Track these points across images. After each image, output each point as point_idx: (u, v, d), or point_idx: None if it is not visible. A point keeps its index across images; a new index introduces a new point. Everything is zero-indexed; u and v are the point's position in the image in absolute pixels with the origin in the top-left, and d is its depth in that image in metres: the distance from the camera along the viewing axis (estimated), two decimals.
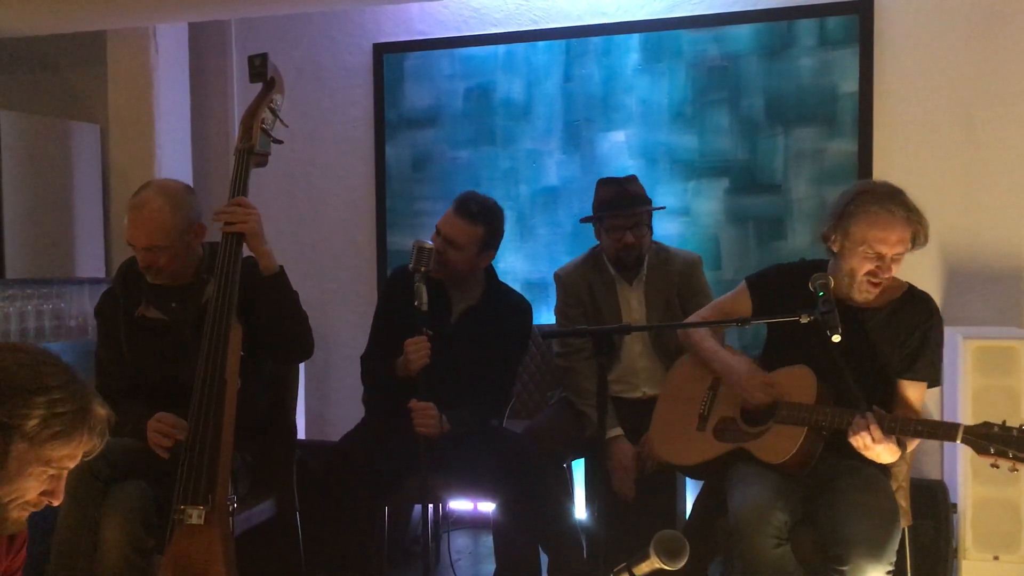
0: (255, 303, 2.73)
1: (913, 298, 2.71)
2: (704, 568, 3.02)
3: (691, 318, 3.00)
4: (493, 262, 3.18)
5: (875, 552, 2.38)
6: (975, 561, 3.31)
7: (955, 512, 3.31)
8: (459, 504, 4.13)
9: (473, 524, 4.17)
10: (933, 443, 3.67)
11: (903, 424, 2.44)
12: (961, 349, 3.37)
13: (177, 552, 2.41)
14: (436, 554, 3.73)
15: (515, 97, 4.24)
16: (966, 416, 3.27)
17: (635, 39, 4.06)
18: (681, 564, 1.83)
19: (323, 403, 4.56)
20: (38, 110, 4.65)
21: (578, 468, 3.57)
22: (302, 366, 3.31)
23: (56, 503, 1.64)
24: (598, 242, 3.40)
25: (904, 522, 2.68)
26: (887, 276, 2.58)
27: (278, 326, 2.77)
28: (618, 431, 3.15)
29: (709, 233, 3.99)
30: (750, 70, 3.93)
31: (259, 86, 2.83)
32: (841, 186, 3.60)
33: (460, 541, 4.09)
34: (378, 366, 3.05)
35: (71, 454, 1.60)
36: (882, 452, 2.44)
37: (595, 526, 3.18)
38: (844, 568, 2.39)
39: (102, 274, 4.55)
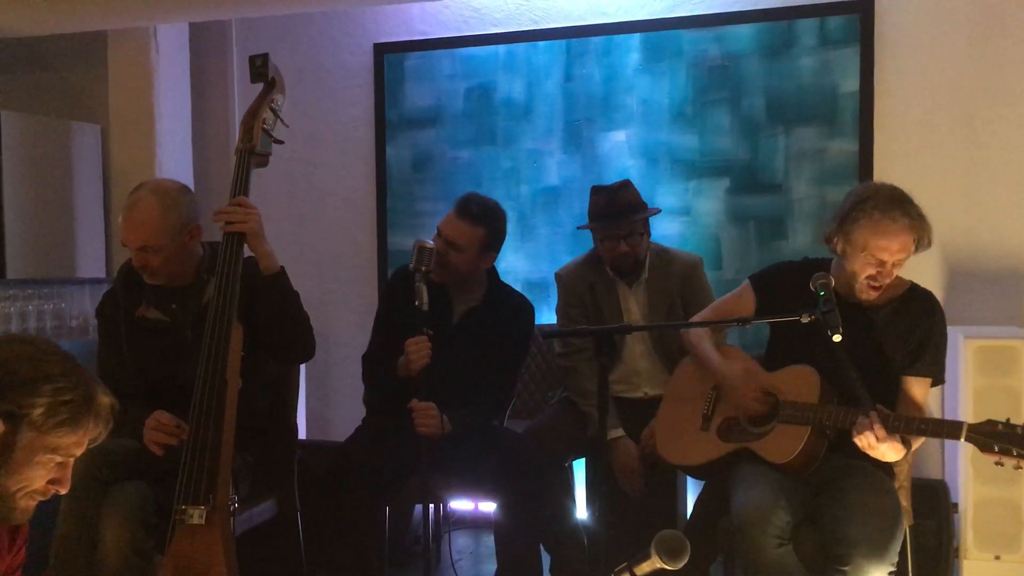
0: (256, 303, 2.73)
1: (916, 296, 2.71)
2: (705, 568, 3.02)
3: (693, 319, 3.00)
4: (494, 262, 3.18)
5: (877, 552, 2.38)
6: (976, 561, 3.31)
7: (956, 512, 3.32)
8: (460, 504, 4.13)
9: (474, 524, 4.17)
10: (934, 443, 3.68)
11: (907, 423, 2.44)
12: (962, 349, 3.37)
13: (178, 552, 2.41)
14: (437, 554, 3.72)
15: (516, 97, 4.24)
16: (967, 416, 3.27)
17: (636, 39, 4.06)
18: (682, 564, 1.83)
19: (324, 403, 4.56)
20: (39, 110, 4.65)
21: (579, 468, 3.57)
22: (303, 366, 3.31)
23: (63, 491, 1.65)
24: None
25: (905, 522, 2.68)
26: (888, 280, 2.59)
27: (279, 326, 2.76)
28: (620, 432, 3.15)
29: (710, 233, 3.99)
30: (751, 70, 3.93)
31: (260, 86, 2.82)
32: (842, 186, 3.63)
33: (461, 541, 4.09)
34: (379, 366, 3.05)
35: (78, 441, 1.62)
36: (886, 451, 2.44)
37: (596, 526, 3.17)
38: (846, 568, 2.39)
39: (103, 274, 4.55)
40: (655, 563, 1.82)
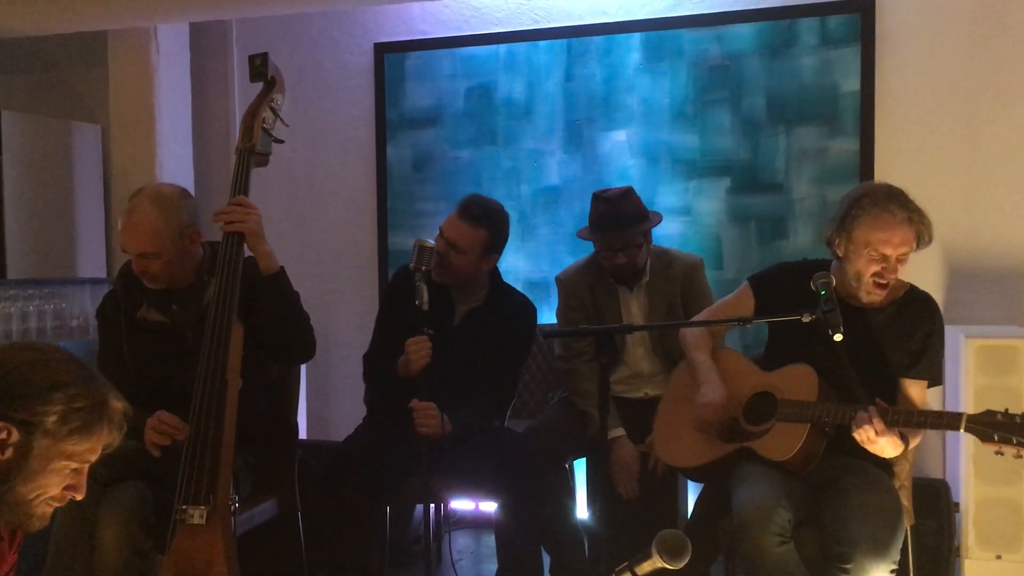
0: (255, 303, 2.73)
1: (916, 298, 2.71)
2: (706, 568, 3.01)
3: (681, 327, 3.00)
4: (496, 264, 3.17)
5: (879, 551, 2.38)
6: (977, 560, 3.31)
7: (957, 511, 3.31)
8: (461, 504, 4.13)
9: (475, 524, 4.17)
10: (935, 442, 3.67)
11: (906, 416, 2.45)
12: (963, 348, 3.37)
13: (178, 552, 2.41)
14: (438, 554, 3.72)
15: (516, 97, 4.24)
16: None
17: (636, 38, 4.06)
18: (683, 563, 1.83)
19: (324, 403, 4.56)
20: (39, 110, 4.65)
21: (580, 468, 3.57)
22: (303, 366, 3.31)
23: (79, 497, 1.66)
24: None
25: (907, 521, 2.68)
26: (893, 277, 2.59)
27: (279, 326, 2.76)
28: (620, 431, 3.15)
29: (711, 233, 3.99)
30: (751, 69, 3.92)
31: (260, 86, 2.82)
32: (843, 185, 3.62)
33: (461, 541, 4.09)
34: (380, 366, 3.05)
35: (92, 448, 1.62)
36: (885, 446, 2.44)
37: (597, 526, 3.17)
38: (848, 567, 2.39)
39: (103, 274, 4.55)
40: (656, 563, 1.82)
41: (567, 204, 4.18)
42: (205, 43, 4.70)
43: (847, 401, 2.57)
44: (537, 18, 4.21)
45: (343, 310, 4.50)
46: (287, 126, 2.90)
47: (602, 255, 3.28)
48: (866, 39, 3.77)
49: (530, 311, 3.18)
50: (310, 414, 4.51)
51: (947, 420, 2.43)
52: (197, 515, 2.41)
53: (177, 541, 2.42)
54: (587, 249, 3.49)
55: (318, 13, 4.49)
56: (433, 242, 2.90)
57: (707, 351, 2.88)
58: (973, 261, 3.72)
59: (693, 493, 3.38)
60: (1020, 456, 2.28)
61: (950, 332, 3.63)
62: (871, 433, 2.41)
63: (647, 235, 3.29)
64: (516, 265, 4.18)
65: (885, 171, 3.75)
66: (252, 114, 2.78)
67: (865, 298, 2.62)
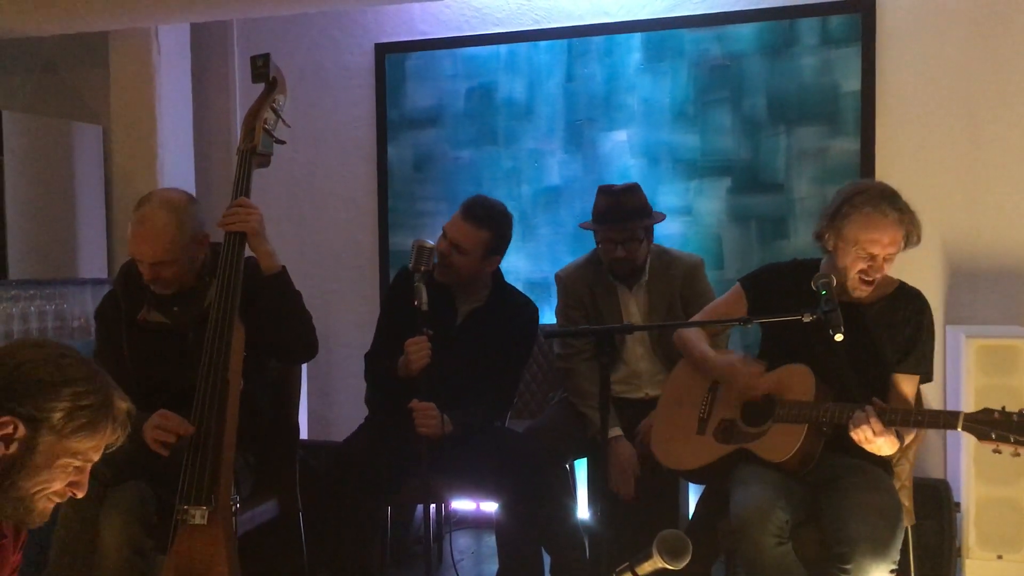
0: (257, 303, 2.73)
1: (905, 294, 2.74)
2: (707, 568, 3.01)
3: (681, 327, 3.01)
4: (498, 265, 3.18)
5: (879, 551, 2.39)
6: (978, 560, 3.31)
7: (958, 511, 3.32)
8: (461, 504, 4.13)
9: (475, 524, 4.17)
10: (936, 443, 3.68)
11: (903, 415, 2.46)
12: (964, 348, 3.37)
13: (180, 552, 2.41)
14: (438, 554, 3.73)
15: (517, 97, 4.24)
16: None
17: (637, 38, 4.06)
18: (684, 564, 1.83)
19: (325, 403, 4.57)
20: (41, 111, 4.66)
21: (580, 468, 3.57)
22: (304, 366, 3.31)
23: (80, 495, 1.66)
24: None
25: (907, 521, 2.68)
26: (878, 275, 2.61)
27: (281, 326, 2.76)
28: (618, 431, 3.15)
29: (711, 233, 3.99)
30: (752, 69, 3.93)
31: (261, 86, 2.83)
32: (843, 185, 3.62)
33: (462, 541, 4.09)
34: (380, 366, 3.05)
35: (96, 446, 1.63)
36: (883, 445, 2.45)
37: (597, 526, 3.17)
38: (848, 567, 2.39)
39: (104, 275, 4.55)
40: (657, 563, 1.82)
41: (568, 204, 4.18)
42: (206, 44, 4.70)
43: (844, 399, 2.57)
44: (538, 18, 4.21)
45: (344, 310, 4.50)
46: (288, 127, 2.90)
47: (601, 247, 3.29)
48: (867, 39, 3.77)
49: (532, 312, 3.19)
50: (311, 414, 4.52)
51: (944, 419, 2.44)
52: (198, 515, 2.41)
53: (178, 541, 2.42)
54: (588, 247, 3.49)
55: (319, 13, 4.50)
56: (432, 243, 2.90)
57: (706, 345, 2.90)
58: (973, 261, 3.72)
59: (694, 494, 3.38)
60: (1017, 454, 2.29)
61: (951, 332, 3.63)
62: (869, 433, 2.42)
63: (648, 231, 3.29)
64: (517, 265, 4.18)
65: (885, 171, 3.75)
66: (254, 115, 2.79)
67: (852, 293, 2.64)
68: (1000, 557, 3.30)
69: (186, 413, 2.54)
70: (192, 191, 4.46)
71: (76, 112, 4.71)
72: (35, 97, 4.78)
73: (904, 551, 2.56)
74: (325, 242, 4.59)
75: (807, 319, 2.46)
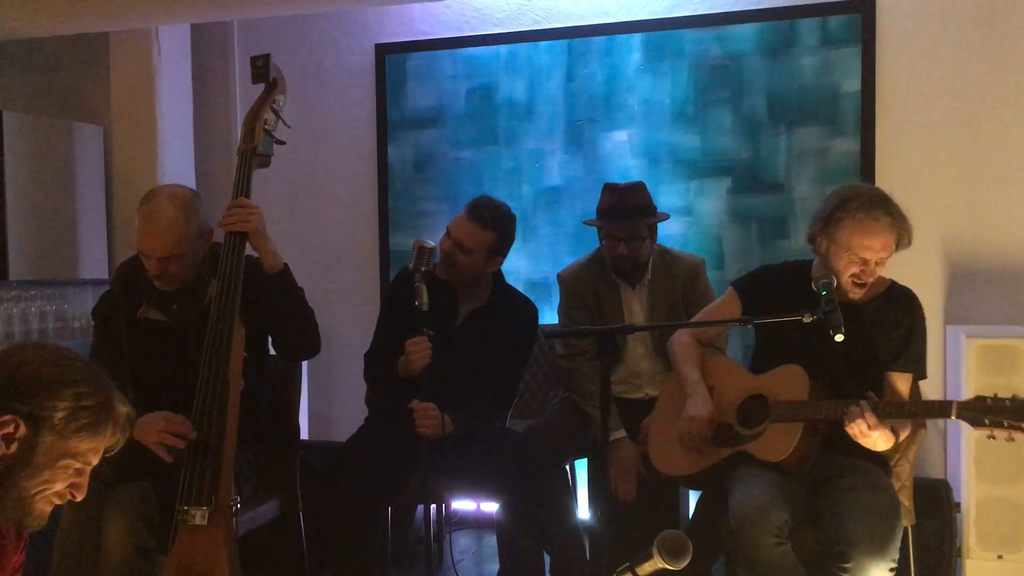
0: (260, 302, 2.73)
1: (897, 293, 2.76)
2: (707, 568, 3.02)
3: (679, 332, 3.00)
4: (500, 266, 3.18)
5: (878, 550, 2.39)
6: (979, 560, 3.31)
7: (958, 511, 3.31)
8: (462, 504, 4.13)
9: (476, 524, 4.18)
10: (936, 443, 3.68)
11: (897, 408, 2.48)
12: (964, 348, 3.37)
13: (181, 553, 2.41)
14: (439, 554, 3.73)
15: (517, 97, 4.24)
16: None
17: (637, 39, 4.06)
18: (684, 564, 1.83)
19: (326, 404, 4.57)
20: (41, 111, 4.66)
21: (581, 468, 3.57)
22: (305, 366, 3.31)
23: (80, 497, 1.67)
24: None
25: (907, 521, 2.69)
26: (871, 279, 2.63)
27: (285, 323, 2.77)
28: (621, 433, 3.15)
29: (712, 233, 3.99)
30: (752, 69, 3.93)
31: (261, 87, 2.83)
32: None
33: (463, 541, 4.09)
34: (380, 366, 3.05)
35: (96, 448, 1.64)
36: (878, 439, 2.46)
37: (598, 526, 3.18)
38: (847, 565, 2.40)
39: (105, 275, 4.55)
40: (657, 563, 1.82)
41: (568, 204, 4.18)
42: (206, 44, 4.70)
43: (838, 397, 2.58)
44: (538, 19, 4.21)
45: (344, 310, 4.50)
46: (289, 127, 2.91)
47: (605, 244, 3.29)
48: (867, 39, 3.77)
49: (532, 312, 3.19)
50: (311, 414, 4.52)
51: (938, 409, 2.46)
52: (199, 516, 2.41)
53: (179, 542, 2.42)
54: (589, 247, 3.49)
55: (319, 14, 4.50)
56: (433, 243, 2.90)
57: (694, 363, 2.88)
58: (974, 261, 3.72)
59: (694, 494, 3.38)
60: (1011, 439, 2.30)
61: (952, 332, 3.63)
62: (864, 427, 2.43)
63: (652, 229, 3.30)
64: (517, 265, 4.18)
65: (885, 171, 3.75)
66: (254, 115, 2.79)
67: (847, 295, 2.65)
68: (1000, 557, 3.30)
69: (186, 412, 2.54)
70: (199, 194, 4.47)
71: (77, 112, 4.71)
72: (36, 97, 4.79)
73: (904, 551, 2.57)
74: (325, 242, 4.59)
75: (808, 319, 2.47)
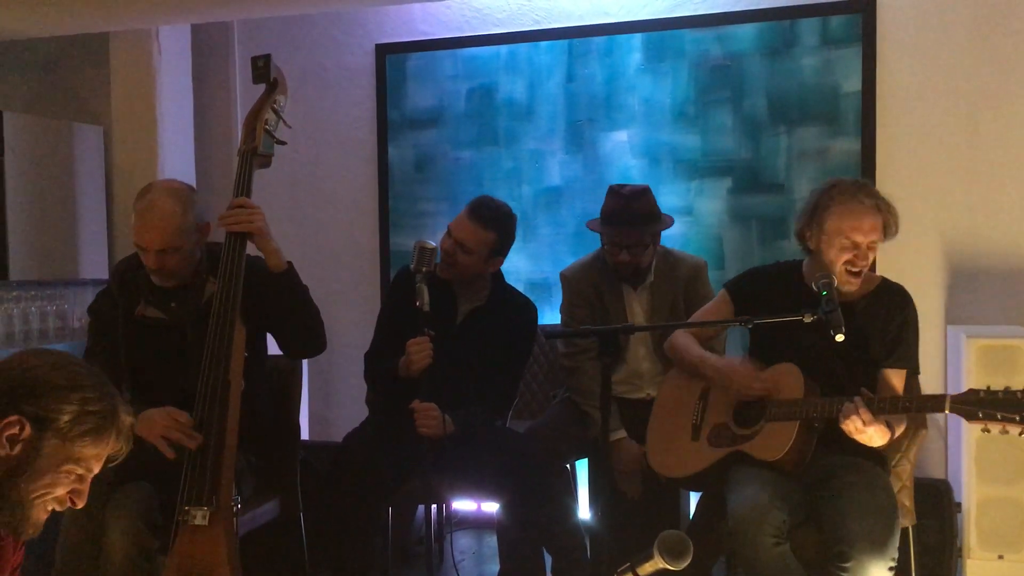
0: (265, 301, 2.72)
1: (888, 289, 2.77)
2: (708, 568, 3.02)
3: (678, 331, 3.01)
4: (500, 266, 3.18)
5: (878, 548, 2.39)
6: (979, 560, 3.31)
7: (959, 511, 3.31)
8: (463, 504, 4.13)
9: (477, 524, 4.17)
10: (937, 443, 3.68)
11: (891, 403, 2.49)
12: (965, 348, 3.36)
13: (181, 553, 2.41)
14: (440, 554, 3.73)
15: (517, 97, 4.24)
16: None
17: (637, 39, 4.06)
18: (685, 564, 1.83)
19: (326, 404, 4.57)
20: (42, 112, 4.66)
21: (582, 468, 3.57)
22: (305, 367, 3.31)
23: (80, 504, 1.67)
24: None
25: (908, 521, 2.69)
26: (864, 264, 2.64)
27: (293, 322, 2.77)
28: (622, 433, 3.15)
29: (712, 233, 3.99)
30: (753, 69, 3.93)
31: (262, 87, 2.83)
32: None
33: (464, 541, 4.09)
34: (381, 366, 3.05)
35: (99, 454, 1.64)
36: (873, 435, 2.47)
37: (599, 526, 3.17)
38: (847, 565, 2.40)
39: (105, 275, 4.53)
40: (658, 563, 1.82)
41: (568, 204, 4.18)
42: (207, 44, 4.70)
43: (833, 394, 2.58)
44: (538, 19, 4.21)
45: (345, 311, 4.50)
46: (289, 127, 2.91)
47: (607, 249, 3.28)
48: (867, 39, 3.77)
49: (532, 311, 3.20)
50: (312, 414, 4.52)
51: (932, 403, 2.47)
52: (200, 516, 2.41)
53: (180, 542, 2.42)
54: (589, 247, 3.49)
55: (319, 14, 4.50)
56: (434, 244, 2.90)
57: (700, 348, 2.91)
58: (974, 261, 3.72)
59: (695, 494, 3.39)
60: (1005, 432, 2.31)
61: (951, 332, 3.63)
62: (859, 423, 2.44)
63: (655, 236, 3.28)
64: (518, 265, 4.18)
65: (886, 171, 3.75)
66: (255, 115, 2.79)
67: (841, 289, 2.65)
68: (1001, 557, 3.30)
69: (186, 410, 2.55)
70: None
71: (77, 113, 4.71)
72: (36, 98, 4.78)
73: (905, 551, 2.57)
74: (326, 242, 4.59)
75: (808, 319, 2.48)
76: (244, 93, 4.65)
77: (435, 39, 4.35)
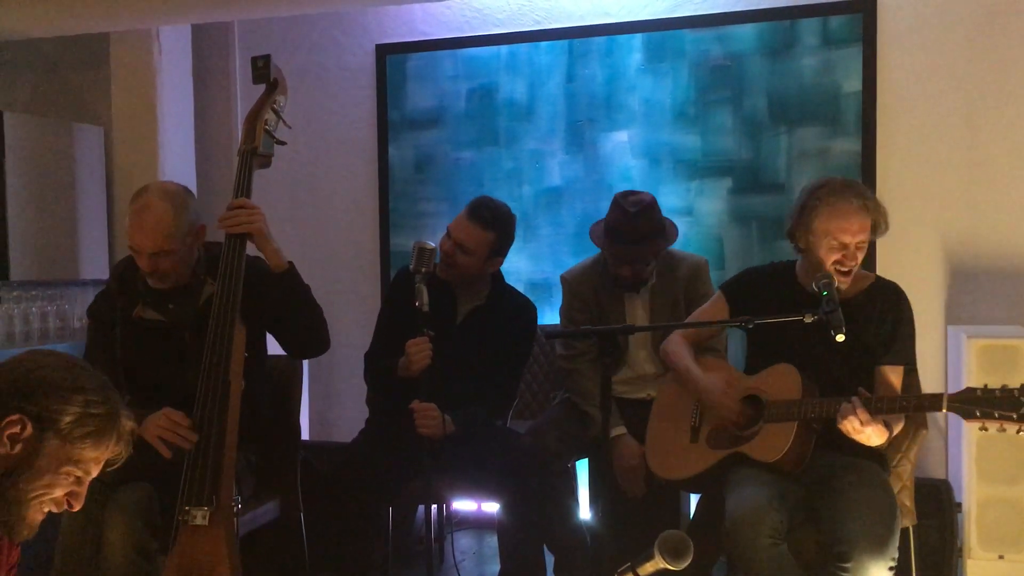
0: (267, 301, 2.72)
1: (881, 287, 2.77)
2: (708, 568, 3.02)
3: (674, 334, 3.00)
4: (500, 266, 3.18)
5: (878, 548, 2.39)
6: (980, 560, 3.31)
7: (960, 511, 3.31)
8: (463, 504, 4.13)
9: (477, 524, 4.17)
10: (937, 443, 3.68)
11: (889, 402, 2.50)
12: (965, 348, 3.36)
13: (181, 553, 2.41)
14: (440, 554, 3.73)
15: (518, 97, 4.24)
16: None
17: (638, 39, 4.06)
18: (685, 564, 1.83)
19: (327, 404, 4.57)
20: (42, 112, 4.66)
21: (582, 468, 3.57)
22: (306, 367, 3.31)
23: (77, 507, 1.67)
24: None
25: (909, 521, 2.69)
26: (853, 264, 2.64)
27: (294, 322, 2.77)
28: (622, 430, 3.15)
29: (712, 233, 3.99)
30: (753, 69, 3.93)
31: (262, 87, 2.83)
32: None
33: (464, 541, 4.09)
34: (381, 366, 3.05)
35: (98, 457, 1.64)
36: (871, 434, 2.47)
37: (599, 526, 3.17)
38: (847, 565, 2.40)
39: (105, 275, 4.53)
40: (658, 563, 1.82)
41: (569, 205, 4.18)
42: (207, 45, 4.70)
43: (833, 395, 2.58)
44: (538, 19, 4.21)
45: (345, 311, 4.49)
46: (289, 127, 2.91)
47: (609, 261, 3.26)
48: (867, 39, 3.77)
49: (531, 311, 3.20)
50: (312, 415, 4.52)
51: (929, 402, 2.47)
52: (200, 516, 2.41)
53: (180, 542, 2.42)
54: (590, 248, 3.48)
55: (320, 14, 4.50)
56: (433, 244, 2.90)
57: (690, 359, 2.91)
58: (974, 261, 3.72)
59: (695, 494, 3.38)
60: (1003, 430, 2.31)
61: (951, 332, 3.63)
62: (856, 423, 2.44)
63: (659, 251, 3.24)
64: (518, 266, 4.18)
65: (886, 171, 3.76)
66: (254, 116, 2.79)
67: None
68: (1001, 557, 3.30)
69: (184, 410, 2.55)
70: (193, 192, 4.46)
71: (77, 113, 4.71)
72: (36, 98, 4.79)
73: (905, 551, 2.56)
74: (326, 243, 4.59)
75: (809, 319, 2.48)
76: (244, 93, 4.65)
77: (435, 39, 4.35)
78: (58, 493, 1.63)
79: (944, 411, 2.39)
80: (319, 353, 2.93)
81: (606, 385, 2.47)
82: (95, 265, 4.53)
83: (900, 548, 2.45)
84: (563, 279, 3.44)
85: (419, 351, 2.79)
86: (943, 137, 3.73)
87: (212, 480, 2.44)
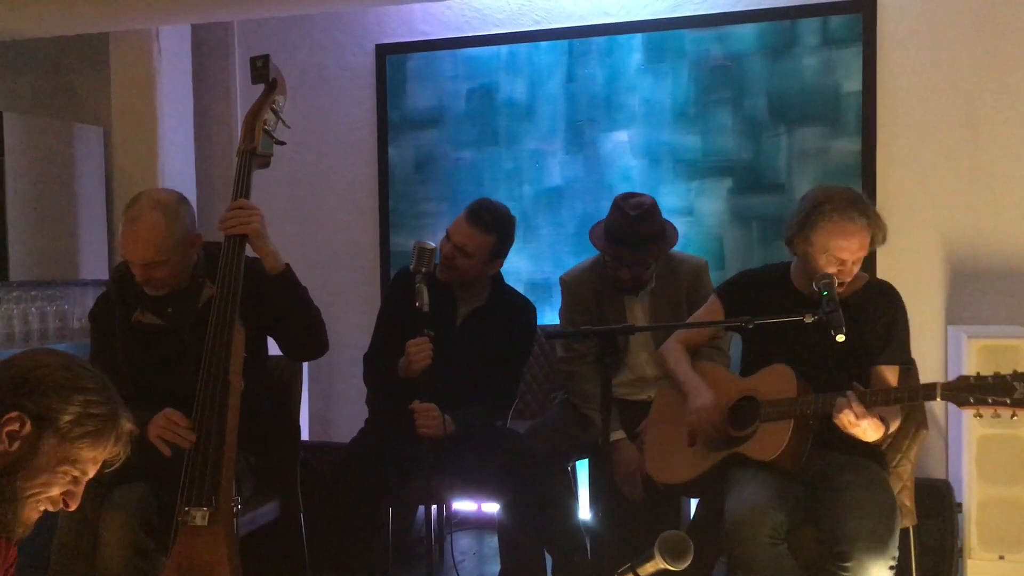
0: (263, 303, 2.72)
1: (875, 286, 2.78)
2: (708, 568, 3.02)
3: (671, 340, 3.00)
4: (500, 268, 3.18)
5: (878, 547, 2.39)
6: (980, 561, 3.31)
7: (960, 512, 3.31)
8: (463, 505, 4.13)
9: (477, 525, 4.17)
10: (938, 443, 3.68)
11: (883, 395, 2.49)
12: (965, 348, 3.36)
13: (181, 554, 2.41)
14: (440, 555, 3.73)
15: (518, 97, 4.24)
16: (971, 414, 3.27)
17: (638, 39, 4.06)
18: (685, 565, 1.83)
19: (327, 404, 4.57)
20: (42, 112, 4.66)
21: (582, 469, 3.57)
22: (305, 367, 3.31)
23: (73, 507, 1.67)
24: None
25: (909, 522, 2.69)
26: (848, 278, 2.66)
27: (290, 324, 2.76)
28: (621, 434, 3.14)
29: (713, 233, 3.99)
30: (753, 69, 3.92)
31: (261, 87, 2.82)
32: (844, 185, 3.61)
33: (464, 542, 4.09)
34: (380, 367, 3.05)
35: (96, 457, 1.64)
36: (867, 428, 2.47)
37: (599, 527, 3.17)
38: (848, 564, 2.40)
39: (105, 276, 4.54)
40: (658, 564, 1.82)
41: (569, 205, 4.18)
42: (207, 45, 4.70)
43: (826, 391, 2.58)
44: (538, 19, 4.21)
45: (345, 311, 4.49)
46: (289, 128, 2.90)
47: (608, 264, 3.25)
48: (868, 39, 3.77)
49: (531, 311, 3.20)
50: (312, 415, 4.52)
51: (923, 392, 2.47)
52: (200, 516, 2.41)
53: (180, 543, 2.42)
54: (590, 248, 3.48)
55: (320, 14, 4.50)
56: (433, 244, 2.90)
57: (686, 364, 2.91)
58: (975, 261, 3.71)
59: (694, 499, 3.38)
60: (997, 416, 2.31)
61: (952, 332, 3.63)
62: (852, 417, 2.44)
63: (660, 254, 3.23)
64: (518, 266, 4.18)
65: (886, 171, 3.75)
66: (254, 116, 2.78)
67: None
68: (1002, 557, 3.29)
69: (186, 413, 2.54)
70: (192, 192, 4.47)
71: (77, 113, 4.71)
72: (36, 98, 4.79)
73: (906, 551, 2.56)
74: (326, 243, 4.59)
75: (809, 320, 2.48)
76: (244, 93, 4.65)
77: (435, 39, 4.35)
78: (54, 492, 1.62)
79: (939, 399, 2.39)
80: (318, 355, 2.93)
81: (606, 387, 2.46)
82: (94, 266, 4.53)
83: (900, 548, 2.45)
84: (562, 281, 3.44)
85: (419, 351, 2.79)
86: (943, 137, 3.73)
87: (212, 480, 2.44)
